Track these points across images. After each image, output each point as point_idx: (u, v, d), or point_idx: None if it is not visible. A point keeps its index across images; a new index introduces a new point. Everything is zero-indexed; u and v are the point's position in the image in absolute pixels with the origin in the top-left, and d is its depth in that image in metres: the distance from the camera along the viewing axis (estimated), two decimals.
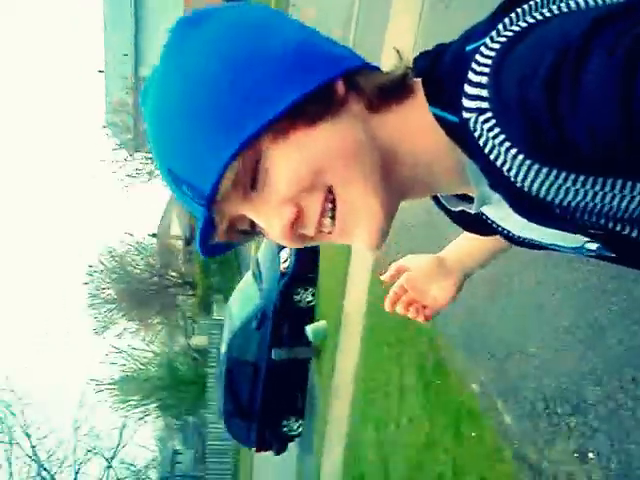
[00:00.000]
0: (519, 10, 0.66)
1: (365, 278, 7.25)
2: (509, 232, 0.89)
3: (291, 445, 10.52)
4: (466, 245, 1.25)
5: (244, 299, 10.19)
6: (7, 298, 64.49)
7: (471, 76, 0.66)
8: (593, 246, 0.79)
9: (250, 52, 0.72)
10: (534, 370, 3.70)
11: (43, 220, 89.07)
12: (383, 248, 0.78)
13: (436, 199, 0.92)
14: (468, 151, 0.70)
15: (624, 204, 0.64)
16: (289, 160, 0.71)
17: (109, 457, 25.43)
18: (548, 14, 0.65)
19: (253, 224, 0.78)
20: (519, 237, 0.89)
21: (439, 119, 0.72)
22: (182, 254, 26.71)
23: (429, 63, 0.75)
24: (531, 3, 0.66)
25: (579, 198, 0.64)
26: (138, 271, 25.74)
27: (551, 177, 0.63)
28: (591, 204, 0.65)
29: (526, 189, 0.65)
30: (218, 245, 0.79)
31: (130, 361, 25.03)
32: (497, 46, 0.65)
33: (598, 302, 3.17)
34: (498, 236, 0.93)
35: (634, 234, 0.70)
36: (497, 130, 0.63)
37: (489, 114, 0.63)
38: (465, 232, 1.21)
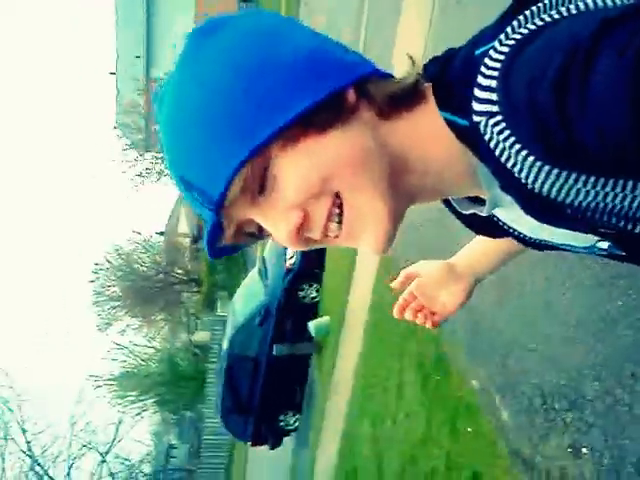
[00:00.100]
0: (527, 13, 0.67)
1: (371, 274, 7.25)
2: (521, 234, 0.89)
3: (286, 439, 10.52)
4: (476, 251, 1.25)
5: (249, 295, 10.21)
6: (10, 296, 64.73)
7: (481, 80, 0.66)
8: (604, 245, 0.79)
9: (262, 60, 0.72)
10: (534, 366, 3.71)
11: (52, 219, 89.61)
12: (390, 249, 0.79)
13: (447, 202, 0.92)
14: (479, 154, 0.71)
15: (635, 204, 0.65)
16: (297, 167, 0.72)
17: (103, 452, 25.42)
18: (557, 16, 0.65)
19: (260, 227, 0.79)
20: (531, 238, 0.89)
21: (450, 123, 0.73)
22: (189, 252, 26.75)
23: (439, 68, 0.76)
24: (539, 5, 0.66)
25: (590, 199, 0.65)
26: (144, 269, 25.79)
27: (561, 178, 0.64)
28: (602, 204, 0.65)
29: (537, 190, 0.66)
30: (225, 247, 0.81)
31: (131, 357, 25.06)
32: (506, 49, 0.65)
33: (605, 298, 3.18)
34: (509, 240, 0.94)
35: None
36: (507, 133, 0.64)
37: (499, 117, 0.64)
38: (476, 237, 1.22)
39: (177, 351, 25.92)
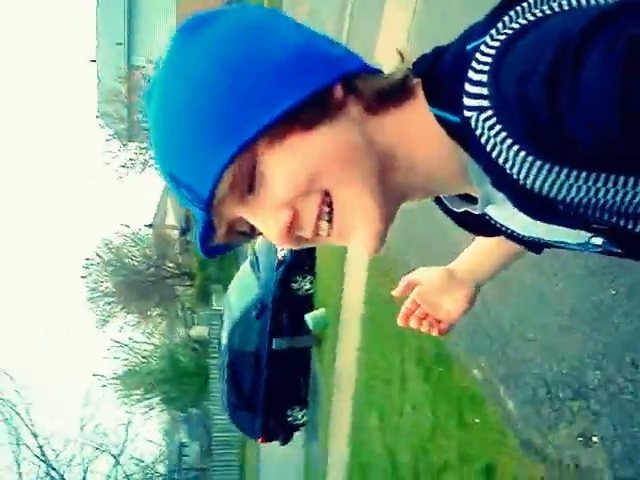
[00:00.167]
0: (519, 8, 0.66)
1: (363, 265, 7.26)
2: (514, 232, 0.89)
3: (296, 435, 10.55)
4: (476, 255, 1.24)
5: (242, 289, 10.18)
6: (6, 298, 64.35)
7: (472, 75, 0.66)
8: (598, 241, 0.79)
9: (248, 55, 0.71)
10: (534, 355, 3.71)
11: (37, 214, 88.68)
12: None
13: (439, 201, 0.91)
14: (470, 150, 0.70)
15: (627, 199, 0.64)
16: (285, 165, 0.71)
17: (116, 454, 25.46)
18: (548, 11, 0.65)
19: (252, 226, 0.78)
20: (524, 236, 0.89)
21: (440, 120, 0.72)
22: (178, 244, 26.63)
23: (428, 64, 0.75)
24: (530, 1, 0.66)
25: (582, 194, 0.64)
26: (135, 263, 25.64)
27: (553, 174, 0.63)
28: (594, 200, 0.64)
29: (529, 186, 0.65)
30: (218, 245, 0.80)
31: (132, 355, 25.04)
32: (497, 44, 0.65)
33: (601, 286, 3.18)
34: (509, 242, 0.93)
35: (638, 228, 0.69)
36: (498, 127, 0.63)
37: (490, 112, 0.63)
38: (475, 240, 1.22)
39: (176, 347, 25.88)
